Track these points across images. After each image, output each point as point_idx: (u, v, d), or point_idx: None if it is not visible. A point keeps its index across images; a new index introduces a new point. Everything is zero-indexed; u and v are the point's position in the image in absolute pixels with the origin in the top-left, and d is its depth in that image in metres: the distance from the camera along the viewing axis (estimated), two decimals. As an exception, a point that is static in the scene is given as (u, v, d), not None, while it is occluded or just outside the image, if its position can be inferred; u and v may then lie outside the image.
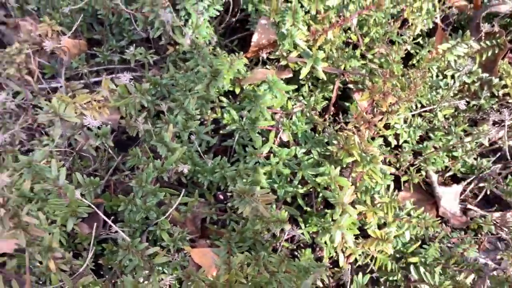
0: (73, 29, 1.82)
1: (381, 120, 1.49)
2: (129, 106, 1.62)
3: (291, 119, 1.60)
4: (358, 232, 1.43)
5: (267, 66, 1.81)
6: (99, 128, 1.61)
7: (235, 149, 1.71)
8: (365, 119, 1.49)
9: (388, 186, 1.55)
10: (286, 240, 1.59)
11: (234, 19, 2.02)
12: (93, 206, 1.34)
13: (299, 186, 1.57)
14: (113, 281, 1.51)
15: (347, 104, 1.80)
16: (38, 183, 1.49)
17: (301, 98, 1.75)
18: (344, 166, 1.49)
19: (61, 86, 1.74)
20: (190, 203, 1.54)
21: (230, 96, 1.83)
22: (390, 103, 1.53)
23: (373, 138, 1.57)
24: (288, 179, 1.58)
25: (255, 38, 1.81)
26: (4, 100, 1.55)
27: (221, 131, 1.76)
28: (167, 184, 1.63)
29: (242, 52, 1.76)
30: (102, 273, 1.58)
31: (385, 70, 1.53)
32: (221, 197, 1.77)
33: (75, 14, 1.96)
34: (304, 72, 1.62)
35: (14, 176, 1.52)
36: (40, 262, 1.34)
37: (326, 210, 1.61)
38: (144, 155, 1.61)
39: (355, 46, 1.85)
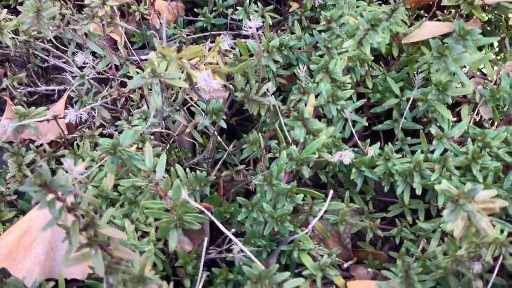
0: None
1: None
2: (250, 73, 1.14)
3: (496, 85, 1.04)
4: None
5: (439, 18, 1.26)
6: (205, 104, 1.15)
7: (396, 134, 1.18)
8: None
9: None
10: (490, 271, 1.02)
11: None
12: (207, 212, 0.86)
13: (512, 187, 1.00)
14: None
15: None
16: (125, 178, 1.05)
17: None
18: None
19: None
20: (343, 211, 1.03)
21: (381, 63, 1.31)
22: None
23: None
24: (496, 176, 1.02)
25: (417, -20, 1.29)
26: (82, 64, 1.12)
27: (371, 110, 1.24)
28: (299, 184, 1.13)
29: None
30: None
31: None
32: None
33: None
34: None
35: (93, 169, 1.09)
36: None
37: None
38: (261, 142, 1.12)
39: None
